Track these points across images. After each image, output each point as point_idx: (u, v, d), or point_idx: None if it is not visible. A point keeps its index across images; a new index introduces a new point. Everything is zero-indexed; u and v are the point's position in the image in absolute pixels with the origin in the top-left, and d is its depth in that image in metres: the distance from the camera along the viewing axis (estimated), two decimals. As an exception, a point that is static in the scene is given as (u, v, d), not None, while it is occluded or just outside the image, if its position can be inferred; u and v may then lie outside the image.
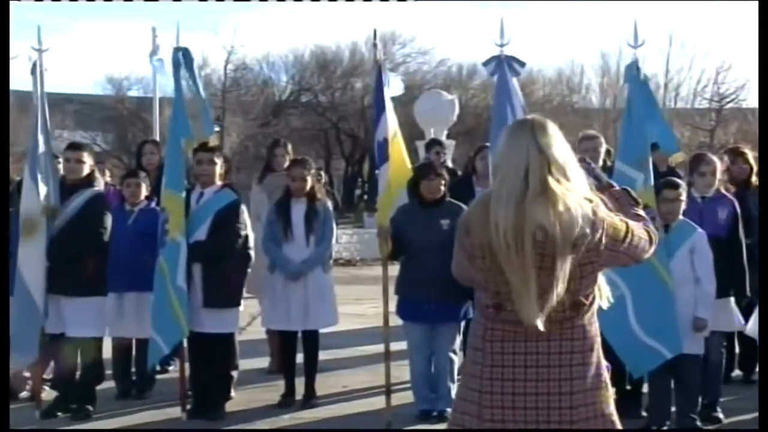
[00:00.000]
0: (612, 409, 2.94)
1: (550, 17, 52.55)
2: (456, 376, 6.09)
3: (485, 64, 5.94)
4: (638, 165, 5.48)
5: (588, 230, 2.79)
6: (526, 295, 2.76)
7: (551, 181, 2.78)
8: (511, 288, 2.78)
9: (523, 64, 5.93)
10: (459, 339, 6.12)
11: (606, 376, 2.96)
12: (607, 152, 8.06)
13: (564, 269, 2.77)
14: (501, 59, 5.82)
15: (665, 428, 5.59)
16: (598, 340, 2.95)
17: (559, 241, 2.75)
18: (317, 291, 6.35)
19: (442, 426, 5.81)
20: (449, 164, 9.27)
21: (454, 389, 6.00)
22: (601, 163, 7.59)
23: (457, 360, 6.12)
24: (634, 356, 5.45)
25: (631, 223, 2.95)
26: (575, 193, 2.81)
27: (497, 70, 5.82)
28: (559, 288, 2.77)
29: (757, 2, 5.93)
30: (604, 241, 2.84)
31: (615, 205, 3.03)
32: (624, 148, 5.70)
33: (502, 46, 5.83)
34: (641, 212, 3.06)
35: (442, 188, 6.07)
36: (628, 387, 5.89)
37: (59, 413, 6.06)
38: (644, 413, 5.80)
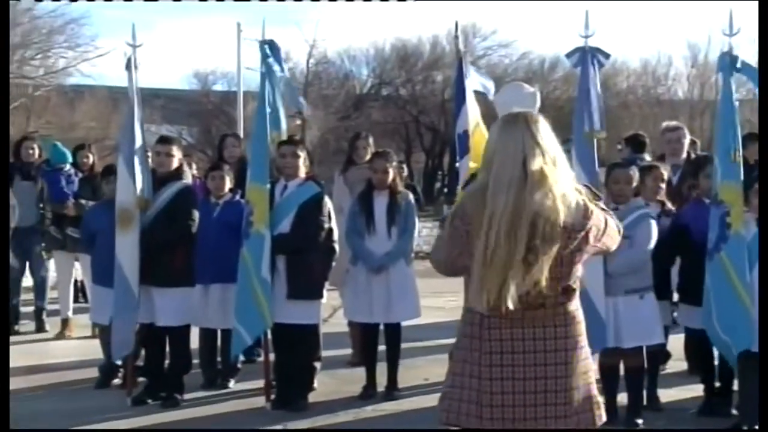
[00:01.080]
0: (596, 391, 3.06)
1: (636, 8, 51.56)
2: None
3: (568, 55, 5.87)
4: (724, 157, 5.35)
5: (581, 218, 2.92)
6: (489, 284, 2.83)
7: (547, 170, 2.88)
8: (480, 270, 2.84)
9: (607, 56, 5.85)
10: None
11: (591, 360, 3.08)
12: (692, 143, 7.88)
13: (551, 255, 2.86)
14: (585, 51, 5.74)
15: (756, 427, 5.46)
16: (584, 324, 3.06)
17: (557, 227, 2.85)
18: (400, 284, 6.37)
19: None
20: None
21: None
22: (684, 155, 7.45)
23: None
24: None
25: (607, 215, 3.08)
26: (568, 183, 2.94)
27: (581, 62, 5.75)
28: (545, 274, 2.86)
29: (757, 2, 5.77)
30: (593, 229, 2.95)
31: None
32: (717, 140, 5.56)
33: (586, 37, 5.75)
34: (602, 206, 3.11)
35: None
36: (717, 384, 5.78)
37: (149, 401, 6.21)
38: (734, 411, 5.67)
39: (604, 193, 5.68)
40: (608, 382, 5.74)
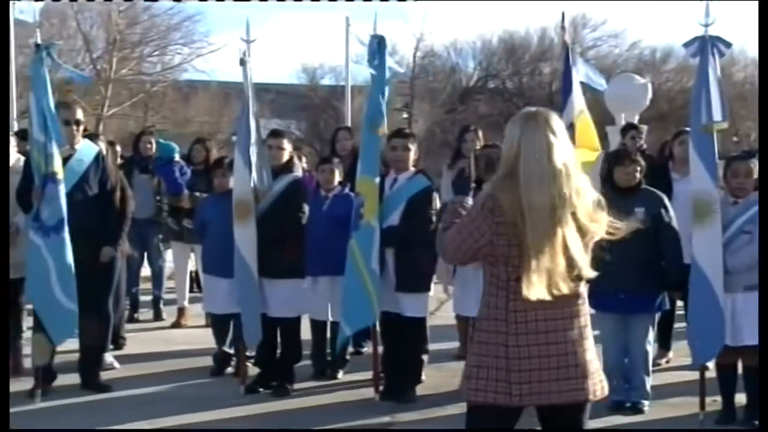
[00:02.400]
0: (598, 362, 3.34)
1: (753, -6, 49.57)
2: (650, 369, 5.94)
3: (687, 45, 5.68)
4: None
5: (599, 210, 3.20)
6: (541, 271, 3.06)
7: (570, 165, 3.12)
8: (528, 264, 3.06)
9: (729, 45, 5.63)
10: (653, 331, 5.96)
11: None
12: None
13: (584, 243, 3.15)
14: (705, 40, 5.55)
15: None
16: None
17: (586, 217, 3.13)
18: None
19: (637, 418, 5.70)
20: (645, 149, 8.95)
21: (649, 381, 5.86)
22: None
23: (651, 351, 5.96)
24: None
25: None
26: (584, 177, 3.19)
27: (700, 51, 5.57)
28: (580, 261, 3.12)
29: (757, 2, 5.46)
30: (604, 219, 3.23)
31: None
32: None
33: (706, 26, 5.56)
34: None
35: (638, 175, 5.89)
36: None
37: (261, 389, 6.34)
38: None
39: (724, 187, 5.53)
40: (726, 381, 5.59)
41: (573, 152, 3.19)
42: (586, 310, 3.28)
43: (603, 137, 14.55)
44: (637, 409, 5.78)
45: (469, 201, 3.50)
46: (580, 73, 6.73)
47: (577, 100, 5.98)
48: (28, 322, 6.71)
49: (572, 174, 3.12)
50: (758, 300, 5.19)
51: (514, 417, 3.26)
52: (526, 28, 36.43)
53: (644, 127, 9.79)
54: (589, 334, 3.28)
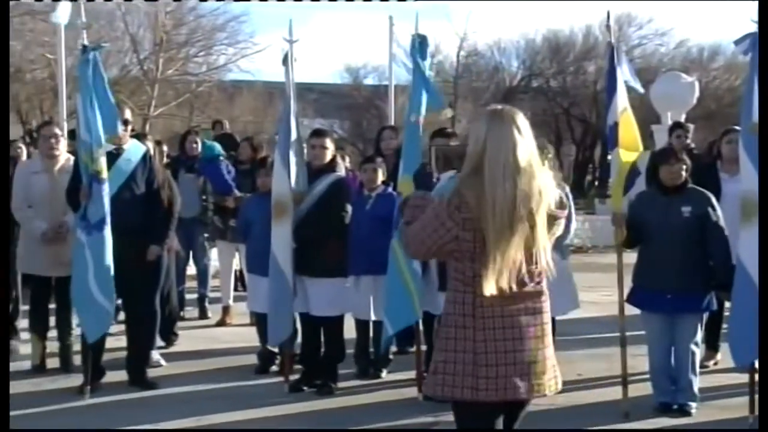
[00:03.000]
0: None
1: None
2: (698, 370, 5.87)
3: (737, 42, 5.58)
4: None
5: (561, 206, 3.29)
6: (502, 268, 3.13)
7: (534, 161, 3.20)
8: (490, 260, 3.13)
9: (782, 41, 5.53)
10: (701, 332, 5.88)
11: None
12: None
13: (546, 237, 3.24)
14: (757, 36, 5.45)
15: None
16: None
17: (549, 212, 3.21)
18: (556, 278, 6.26)
19: (684, 420, 5.64)
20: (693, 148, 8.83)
21: (696, 383, 5.79)
22: None
23: (698, 352, 5.88)
24: None
25: None
26: (548, 174, 3.26)
27: (751, 49, 5.47)
28: (542, 257, 3.23)
29: (756, 2, 5.32)
30: (563, 218, 3.33)
31: None
32: None
33: (759, 22, 5.45)
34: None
35: (684, 174, 5.82)
36: None
37: (305, 388, 6.38)
38: None
39: None
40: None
41: (536, 150, 3.25)
42: (547, 306, 3.35)
43: (649, 136, 14.42)
44: (684, 411, 5.72)
45: (430, 195, 3.55)
46: (625, 72, 6.66)
47: (621, 98, 5.92)
48: (77, 319, 6.82)
49: (536, 171, 3.19)
50: (758, 296, 5.14)
51: (496, 412, 3.33)
52: (570, 26, 36.22)
53: (691, 126, 9.66)
54: (550, 330, 3.36)
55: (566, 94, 35.84)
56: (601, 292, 9.73)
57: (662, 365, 5.82)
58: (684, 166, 5.83)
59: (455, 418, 3.38)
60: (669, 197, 5.79)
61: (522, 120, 3.24)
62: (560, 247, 6.30)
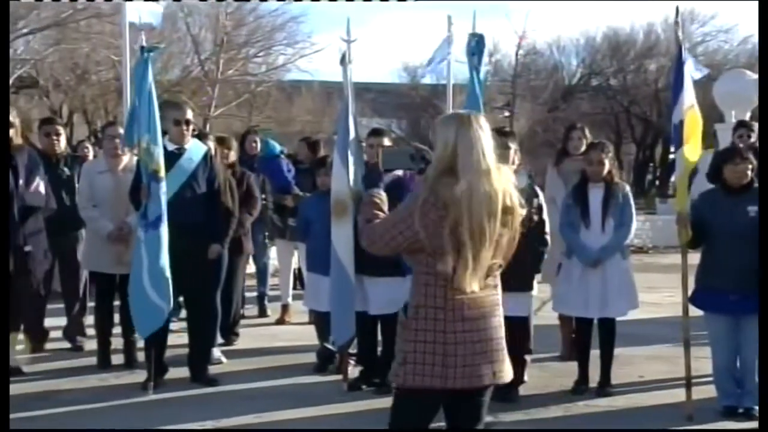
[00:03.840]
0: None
1: None
2: (764, 373, 5.75)
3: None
4: None
5: (520, 204, 3.48)
6: (477, 264, 3.32)
7: (499, 162, 3.42)
8: (466, 256, 3.31)
9: None
10: (767, 334, 5.77)
11: None
12: None
13: (511, 234, 3.45)
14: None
15: None
16: None
17: (515, 210, 3.42)
18: (616, 278, 6.21)
19: (749, 424, 5.53)
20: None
21: (762, 386, 5.68)
22: None
23: (765, 355, 5.76)
24: None
25: None
26: (511, 174, 3.48)
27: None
28: (505, 253, 3.46)
29: (756, 2, 5.14)
30: (521, 215, 3.50)
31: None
32: None
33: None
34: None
35: (749, 173, 5.71)
36: None
37: (363, 386, 6.40)
38: None
39: None
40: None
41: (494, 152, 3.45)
42: (500, 299, 3.56)
43: (712, 135, 14.15)
44: (750, 415, 5.61)
45: (382, 194, 3.73)
46: (690, 69, 6.56)
47: (688, 95, 5.84)
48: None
49: (502, 170, 3.42)
50: (759, 300, 5.07)
51: (438, 402, 3.54)
52: (631, 24, 35.70)
53: (755, 125, 9.47)
54: (503, 321, 3.58)
55: (626, 93, 35.41)
56: (661, 293, 9.63)
57: (726, 367, 5.72)
58: (750, 166, 5.72)
59: (394, 407, 3.58)
60: (734, 197, 5.68)
61: (486, 124, 3.46)
62: (621, 247, 6.26)
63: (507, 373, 3.54)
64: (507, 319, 5.95)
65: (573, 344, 6.90)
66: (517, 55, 33.44)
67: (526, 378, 6.37)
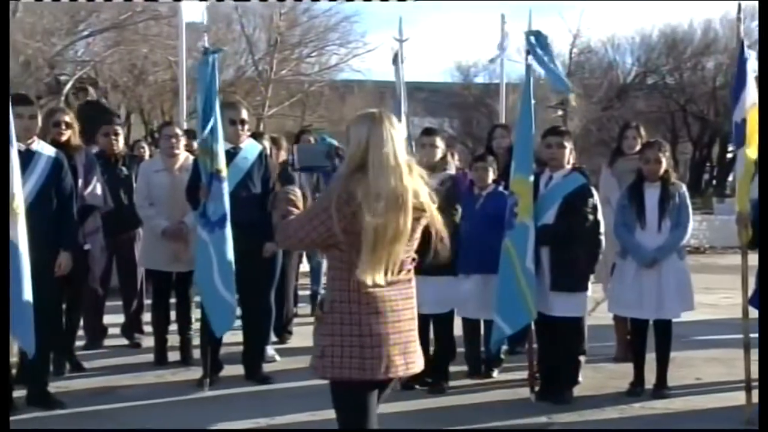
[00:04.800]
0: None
1: None
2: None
3: None
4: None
5: (430, 199, 3.55)
6: (388, 258, 3.40)
7: (409, 159, 3.50)
8: (372, 250, 3.37)
9: None
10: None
11: None
12: None
13: (421, 228, 3.54)
14: None
15: None
16: None
17: (425, 204, 3.50)
18: (672, 279, 6.13)
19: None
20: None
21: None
22: None
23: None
24: None
25: None
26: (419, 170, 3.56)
27: None
28: (415, 246, 3.54)
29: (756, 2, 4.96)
30: (432, 210, 3.57)
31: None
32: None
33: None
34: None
35: (813, 172, 5.60)
36: None
37: (416, 386, 6.39)
38: None
39: None
40: None
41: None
42: (414, 292, 3.63)
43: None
44: (809, 420, 5.49)
45: (296, 190, 3.78)
46: (752, 65, 6.45)
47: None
48: (196, 313, 7.04)
49: (413, 167, 3.50)
50: (759, 296, 5.00)
51: (365, 393, 3.57)
52: (689, 21, 35.07)
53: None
54: (416, 314, 3.66)
55: (683, 91, 34.87)
56: (719, 294, 9.47)
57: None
58: (812, 164, 5.59)
59: (333, 398, 3.62)
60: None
61: (397, 122, 3.55)
62: (677, 247, 6.17)
63: (419, 365, 3.63)
64: (559, 319, 6.03)
65: (628, 345, 6.83)
66: (571, 53, 33.17)
67: (580, 379, 6.33)
